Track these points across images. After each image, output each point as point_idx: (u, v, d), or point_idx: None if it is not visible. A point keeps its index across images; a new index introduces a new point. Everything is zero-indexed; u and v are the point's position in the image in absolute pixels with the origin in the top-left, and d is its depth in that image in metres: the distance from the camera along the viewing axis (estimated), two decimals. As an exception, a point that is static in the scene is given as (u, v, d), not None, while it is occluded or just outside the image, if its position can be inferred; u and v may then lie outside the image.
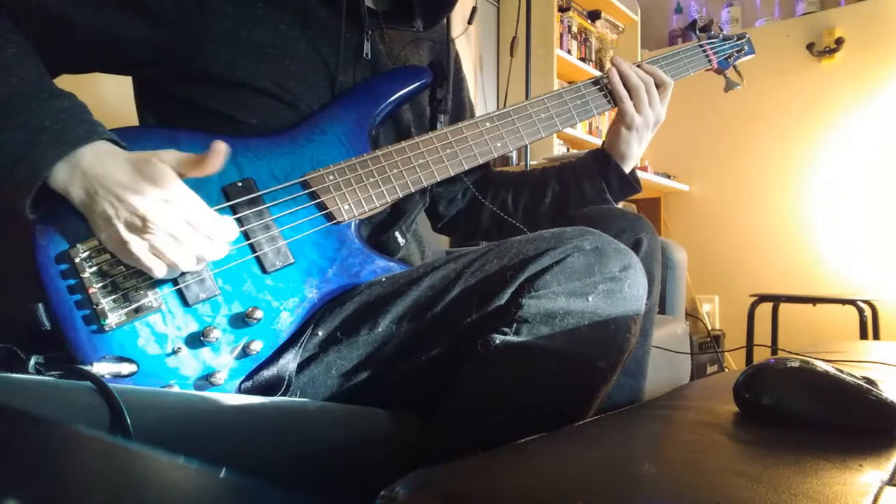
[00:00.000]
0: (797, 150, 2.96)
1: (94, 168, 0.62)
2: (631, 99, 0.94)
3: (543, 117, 0.90)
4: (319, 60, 0.81)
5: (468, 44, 2.73)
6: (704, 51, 1.09)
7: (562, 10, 2.91)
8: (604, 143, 1.01)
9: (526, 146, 2.56)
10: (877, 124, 2.78)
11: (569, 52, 2.95)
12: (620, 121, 0.96)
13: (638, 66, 0.97)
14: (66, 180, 0.61)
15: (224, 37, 0.75)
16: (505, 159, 2.56)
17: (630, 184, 0.99)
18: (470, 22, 1.00)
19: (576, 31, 3.08)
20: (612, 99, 0.95)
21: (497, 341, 0.63)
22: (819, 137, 2.92)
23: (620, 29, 3.38)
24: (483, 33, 2.87)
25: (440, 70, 0.88)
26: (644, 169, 3.05)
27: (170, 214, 0.61)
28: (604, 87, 0.96)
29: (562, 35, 2.94)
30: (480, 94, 2.82)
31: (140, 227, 0.61)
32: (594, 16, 3.16)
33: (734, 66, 1.14)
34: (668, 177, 3.18)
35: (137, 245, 0.61)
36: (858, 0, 2.86)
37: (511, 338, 0.63)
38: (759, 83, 2.99)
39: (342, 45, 0.82)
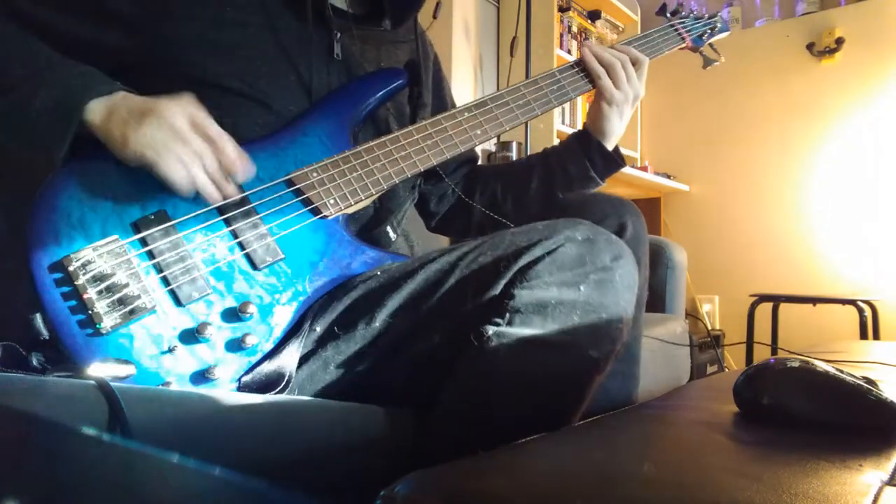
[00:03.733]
0: (797, 150, 2.96)
1: (133, 99, 0.69)
2: (609, 76, 0.96)
3: (521, 104, 0.92)
4: (290, 61, 0.82)
5: (468, 44, 2.73)
6: (676, 30, 1.11)
7: (562, 10, 2.91)
8: (585, 123, 1.02)
9: (526, 145, 2.57)
10: (877, 124, 2.79)
11: (569, 52, 2.95)
12: (600, 97, 0.97)
13: (611, 47, 0.99)
14: (103, 109, 0.67)
15: (193, 39, 0.77)
16: (504, 158, 2.56)
17: (614, 160, 1.01)
18: (435, 16, 1.02)
19: (576, 31, 3.08)
20: (590, 79, 0.97)
21: (490, 332, 0.63)
22: (819, 137, 2.92)
23: (620, 29, 3.38)
24: (483, 33, 2.87)
25: (415, 70, 0.90)
26: (644, 169, 3.05)
27: (208, 140, 0.69)
28: (579, 70, 0.98)
29: (562, 35, 2.94)
30: (480, 94, 2.82)
31: (176, 135, 0.67)
32: (594, 16, 3.16)
33: (710, 44, 1.16)
34: (668, 177, 3.18)
35: (167, 149, 0.66)
36: (858, 0, 2.86)
37: (504, 328, 0.63)
38: (759, 83, 2.99)
39: (312, 45, 0.84)
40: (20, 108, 0.67)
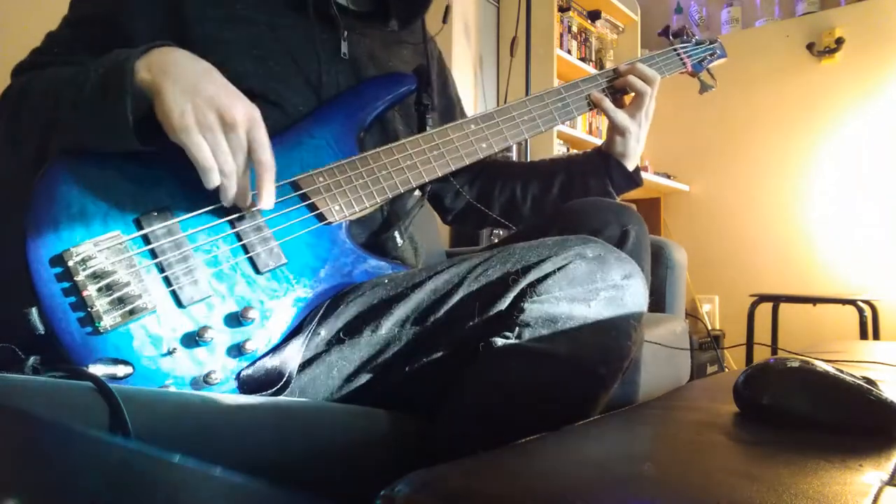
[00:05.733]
0: (797, 150, 2.96)
1: (192, 63, 0.66)
2: (635, 101, 0.99)
3: (526, 119, 0.94)
4: (298, 62, 0.83)
5: (468, 44, 2.72)
6: (678, 54, 1.14)
7: (562, 10, 2.91)
8: (602, 144, 1.06)
9: (526, 146, 2.57)
10: (877, 124, 2.79)
11: (569, 52, 2.95)
12: (613, 129, 1.01)
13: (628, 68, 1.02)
14: (151, 63, 0.65)
15: (208, 40, 0.77)
16: (505, 156, 2.55)
17: (632, 178, 1.04)
18: (444, 21, 1.03)
19: (576, 31, 3.08)
20: (614, 98, 1.01)
21: (499, 344, 0.63)
22: (819, 137, 2.92)
23: (620, 29, 3.38)
24: (483, 33, 2.87)
25: (425, 75, 0.91)
26: (644, 169, 3.05)
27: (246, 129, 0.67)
28: (584, 92, 1.00)
29: (562, 35, 2.94)
30: (480, 94, 2.82)
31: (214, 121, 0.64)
32: (594, 16, 3.16)
33: (707, 70, 1.19)
34: (668, 177, 3.18)
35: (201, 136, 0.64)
36: (858, 0, 2.86)
37: (513, 341, 0.63)
38: (759, 83, 2.99)
39: (319, 44, 0.84)
40: (92, 104, 0.65)
